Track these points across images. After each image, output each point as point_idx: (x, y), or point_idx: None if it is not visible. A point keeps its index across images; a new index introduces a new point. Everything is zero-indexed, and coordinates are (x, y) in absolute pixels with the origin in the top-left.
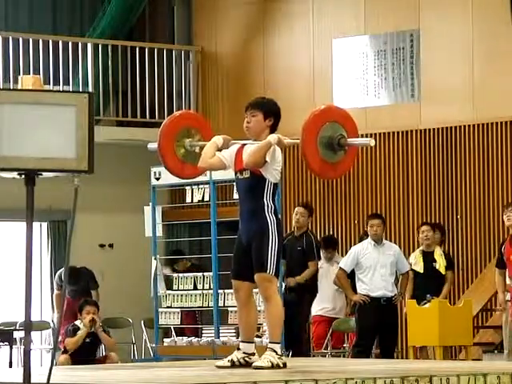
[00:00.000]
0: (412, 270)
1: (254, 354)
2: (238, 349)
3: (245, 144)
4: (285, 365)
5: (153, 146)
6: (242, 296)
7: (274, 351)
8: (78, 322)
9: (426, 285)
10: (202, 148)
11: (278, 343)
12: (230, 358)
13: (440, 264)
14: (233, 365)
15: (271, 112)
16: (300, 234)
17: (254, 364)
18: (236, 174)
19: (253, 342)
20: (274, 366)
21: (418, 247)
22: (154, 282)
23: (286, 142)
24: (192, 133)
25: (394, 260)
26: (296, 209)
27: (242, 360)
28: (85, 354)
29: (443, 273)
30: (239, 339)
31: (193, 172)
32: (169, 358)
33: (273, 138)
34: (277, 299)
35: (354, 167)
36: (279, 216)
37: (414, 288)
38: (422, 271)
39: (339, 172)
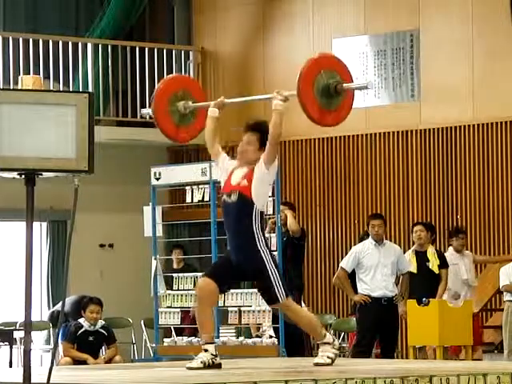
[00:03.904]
0: None
1: (216, 356)
2: (206, 350)
3: (236, 168)
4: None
5: (146, 110)
6: (205, 294)
7: (328, 344)
8: (81, 321)
9: (421, 285)
10: (195, 109)
11: (325, 338)
12: (200, 359)
13: (433, 263)
14: (204, 366)
15: (265, 140)
16: (286, 230)
17: (314, 361)
18: (223, 196)
19: (215, 343)
20: (333, 362)
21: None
22: (154, 282)
23: (286, 94)
24: (185, 95)
25: (395, 260)
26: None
27: (210, 361)
28: (87, 353)
29: (436, 272)
30: (203, 341)
31: (187, 135)
32: (169, 357)
33: (279, 105)
34: (298, 309)
35: (354, 167)
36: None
37: (409, 289)
38: (415, 272)
39: (338, 119)
